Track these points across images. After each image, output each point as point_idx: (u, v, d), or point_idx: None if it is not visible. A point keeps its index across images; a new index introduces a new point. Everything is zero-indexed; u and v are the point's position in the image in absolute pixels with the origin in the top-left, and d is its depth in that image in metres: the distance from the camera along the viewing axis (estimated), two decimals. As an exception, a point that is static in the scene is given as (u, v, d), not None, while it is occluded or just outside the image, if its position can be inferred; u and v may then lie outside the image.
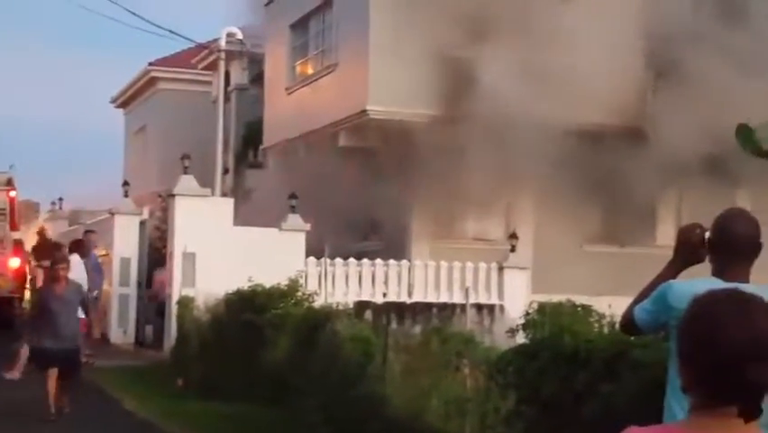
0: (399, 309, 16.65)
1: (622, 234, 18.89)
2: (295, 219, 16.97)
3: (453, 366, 7.54)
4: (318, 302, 12.80)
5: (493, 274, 17.83)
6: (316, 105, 19.99)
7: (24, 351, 13.41)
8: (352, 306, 12.66)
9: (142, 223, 19.74)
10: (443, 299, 17.44)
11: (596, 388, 5.42)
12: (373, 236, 19.83)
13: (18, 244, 20.47)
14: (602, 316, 8.34)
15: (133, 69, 31.93)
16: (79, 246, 15.80)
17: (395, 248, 18.28)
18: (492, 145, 16.31)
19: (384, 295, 17.27)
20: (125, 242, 18.95)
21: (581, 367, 5.71)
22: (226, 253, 15.61)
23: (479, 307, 17.21)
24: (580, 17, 16.56)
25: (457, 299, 17.22)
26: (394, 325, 13.55)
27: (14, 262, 19.32)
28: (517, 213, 19.00)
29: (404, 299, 17.34)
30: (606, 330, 7.24)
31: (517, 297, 16.73)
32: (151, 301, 18.66)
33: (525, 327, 9.68)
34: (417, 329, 11.19)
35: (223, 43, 23.69)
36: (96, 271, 16.01)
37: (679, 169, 16.31)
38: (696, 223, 3.78)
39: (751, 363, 1.86)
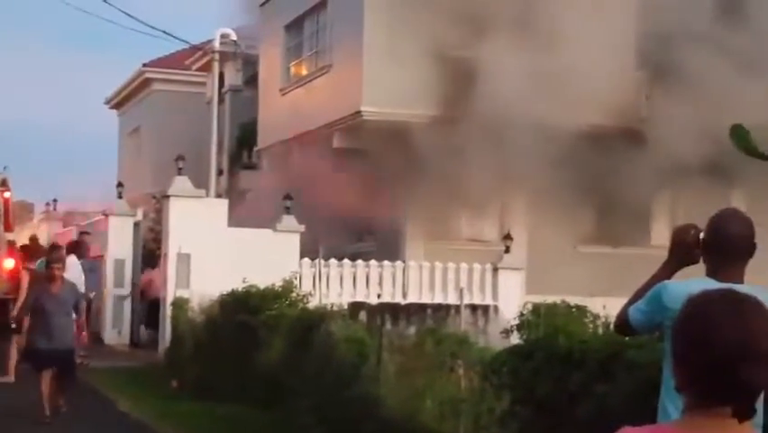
0: (394, 310, 16.65)
1: (616, 235, 18.90)
2: (289, 220, 16.97)
3: (448, 367, 7.54)
4: (312, 303, 12.80)
5: (487, 275, 17.84)
6: (311, 106, 19.98)
7: (13, 352, 13.39)
8: (346, 307, 12.65)
9: (137, 224, 19.72)
10: (438, 300, 17.44)
11: (590, 388, 5.42)
12: (367, 237, 19.83)
13: (12, 246, 20.42)
14: (597, 316, 8.36)
15: (127, 70, 31.89)
16: (77, 247, 15.79)
17: (389, 249, 18.28)
18: (487, 146, 16.32)
19: (378, 296, 17.27)
20: (119, 243, 18.93)
21: (576, 368, 5.72)
22: (221, 254, 15.60)
23: (473, 307, 17.22)
24: (576, 17, 16.57)
25: (451, 299, 17.23)
26: (388, 326, 13.55)
27: (9, 264, 19.28)
28: (512, 214, 19.01)
29: (398, 300, 17.34)
30: (600, 331, 7.25)
31: (512, 298, 16.74)
32: (143, 300, 18.63)
33: (519, 327, 9.72)
34: (412, 330, 11.20)
35: (217, 44, 23.67)
36: (92, 272, 16.01)
37: (674, 169, 16.33)
38: (690, 223, 3.78)
39: (745, 363, 1.86)
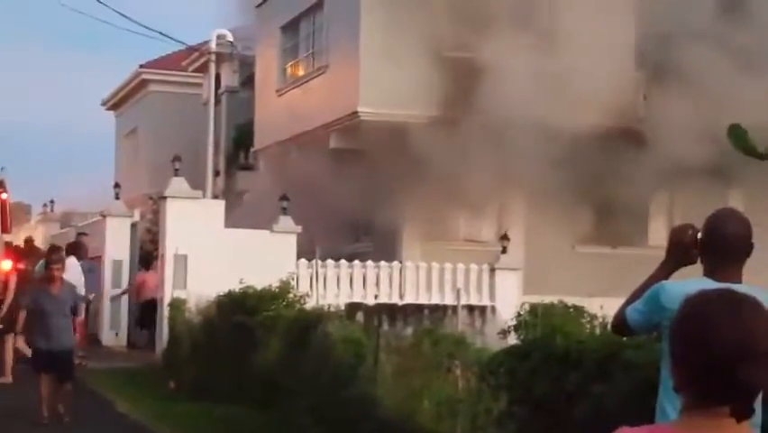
0: (391, 311, 16.65)
1: (614, 236, 18.91)
2: (286, 221, 16.96)
3: (445, 367, 7.54)
4: (309, 304, 12.80)
5: (484, 276, 17.84)
6: (307, 106, 19.98)
7: (9, 352, 13.38)
8: (343, 307, 12.65)
9: (134, 225, 19.71)
10: (435, 300, 17.44)
11: (588, 388, 5.42)
12: (364, 238, 19.82)
13: (9, 247, 20.41)
14: (594, 317, 8.36)
15: (124, 71, 31.88)
16: (76, 248, 15.78)
17: (386, 249, 18.27)
18: (484, 146, 16.33)
19: (375, 297, 17.27)
20: (117, 244, 18.91)
21: (573, 368, 5.72)
22: (217, 254, 15.59)
23: (470, 308, 17.22)
24: (575, 17, 16.57)
25: (448, 300, 17.22)
26: (385, 326, 13.54)
27: (6, 265, 19.25)
28: (509, 214, 19.01)
29: (395, 300, 17.34)
30: (598, 331, 7.25)
31: (509, 298, 16.74)
32: (136, 301, 18.60)
33: (516, 328, 9.73)
34: (409, 331, 11.19)
35: (213, 45, 23.67)
36: (90, 273, 16.00)
37: (672, 170, 16.34)
38: (688, 223, 3.78)
39: (743, 363, 1.86)
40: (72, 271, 13.80)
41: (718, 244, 3.60)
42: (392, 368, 8.32)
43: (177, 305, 15.09)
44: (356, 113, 18.12)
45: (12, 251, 15.24)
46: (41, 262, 13.71)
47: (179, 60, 27.39)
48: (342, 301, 15.50)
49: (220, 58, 24.08)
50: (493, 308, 17.46)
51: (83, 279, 14.74)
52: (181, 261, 16.02)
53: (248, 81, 24.23)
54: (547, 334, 6.41)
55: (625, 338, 4.98)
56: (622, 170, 16.68)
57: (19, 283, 13.73)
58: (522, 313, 10.77)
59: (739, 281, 3.52)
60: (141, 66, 29.70)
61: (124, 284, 18.89)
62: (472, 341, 8.11)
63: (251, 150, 23.19)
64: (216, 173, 23.58)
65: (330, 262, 17.12)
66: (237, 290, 12.83)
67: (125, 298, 18.82)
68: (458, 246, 18.75)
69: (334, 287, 17.05)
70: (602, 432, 2.22)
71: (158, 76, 29.34)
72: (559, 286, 15.02)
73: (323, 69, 19.88)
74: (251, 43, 23.43)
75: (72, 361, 10.39)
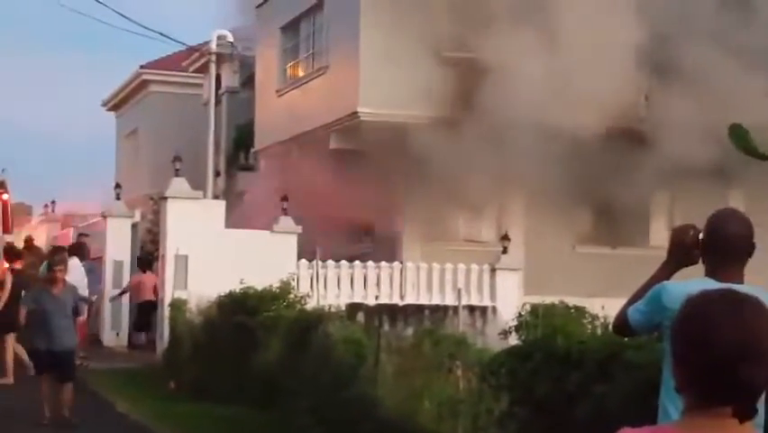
0: (391, 311, 16.64)
1: (614, 236, 18.90)
2: (286, 221, 16.96)
3: (446, 368, 7.54)
4: (310, 304, 12.80)
5: (485, 276, 17.83)
6: (307, 107, 19.97)
7: (10, 353, 13.38)
8: (344, 308, 12.65)
9: (134, 225, 19.71)
10: (436, 300, 17.44)
11: (589, 389, 5.42)
12: (365, 238, 19.82)
13: (6, 247, 20.40)
14: (595, 317, 8.36)
15: (124, 72, 31.87)
16: (78, 249, 15.79)
17: (386, 250, 18.27)
18: (485, 147, 16.32)
19: (376, 297, 17.26)
20: (118, 244, 18.91)
21: (574, 368, 5.71)
22: (218, 255, 15.59)
23: (471, 309, 17.21)
24: (575, 17, 16.56)
25: (449, 300, 17.22)
26: (386, 327, 13.54)
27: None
28: (509, 214, 19.00)
29: (396, 301, 17.33)
30: (599, 331, 7.25)
31: (510, 298, 16.73)
32: (135, 302, 18.59)
33: (517, 328, 9.72)
34: (409, 331, 11.19)
35: (213, 46, 23.66)
36: (91, 273, 16.01)
37: (673, 170, 16.33)
38: (689, 224, 3.78)
39: (745, 363, 1.86)
40: (75, 272, 13.80)
41: (720, 245, 3.60)
42: (393, 368, 8.32)
43: (177, 305, 15.09)
44: (356, 113, 18.12)
45: (8, 251, 15.23)
46: (45, 263, 13.71)
47: (180, 61, 27.38)
48: (343, 302, 15.50)
49: (220, 58, 24.08)
50: (494, 309, 17.46)
51: (86, 280, 14.74)
52: (182, 261, 16.02)
53: (248, 82, 24.22)
54: (548, 334, 6.41)
55: (626, 339, 4.98)
56: (622, 171, 16.67)
57: (16, 283, 13.72)
58: (523, 313, 10.76)
59: (741, 282, 3.52)
60: (142, 66, 29.70)
61: (125, 285, 18.89)
62: (473, 341, 8.11)
63: (252, 150, 23.19)
64: (217, 174, 23.58)
65: (330, 262, 17.12)
66: (238, 290, 12.83)
67: (126, 298, 18.82)
68: (458, 247, 18.74)
69: (335, 287, 17.05)
70: (604, 433, 2.21)
71: (158, 76, 29.34)
72: (559, 286, 15.02)
73: (323, 69, 19.87)
74: (251, 44, 23.42)
75: (73, 361, 10.39)
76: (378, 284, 17.40)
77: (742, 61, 16.39)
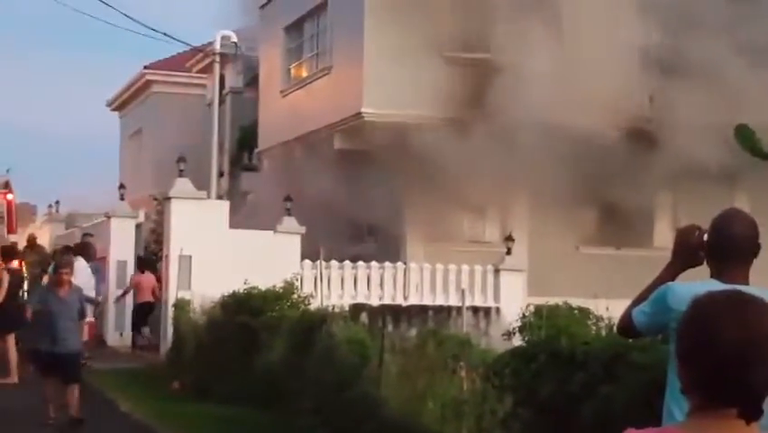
0: (395, 312, 16.63)
1: (618, 237, 18.87)
2: (290, 222, 16.96)
3: (450, 369, 7.53)
4: (314, 305, 12.79)
5: (489, 277, 17.82)
6: (311, 107, 19.98)
7: (13, 352, 13.38)
8: (347, 308, 12.64)
9: (138, 226, 19.72)
10: (439, 301, 17.43)
11: (593, 390, 5.40)
12: (368, 239, 19.81)
13: (16, 247, 20.45)
14: (599, 318, 8.34)
15: (129, 72, 31.93)
16: (84, 250, 15.80)
17: (390, 251, 18.26)
18: (488, 147, 16.31)
19: (380, 298, 17.26)
20: (122, 245, 18.92)
21: (579, 369, 5.70)
22: (222, 255, 15.60)
23: (474, 309, 17.20)
24: (579, 17, 16.54)
25: (453, 301, 17.21)
26: (390, 327, 13.53)
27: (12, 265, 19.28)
28: (513, 215, 18.99)
29: (399, 301, 17.33)
30: (603, 332, 7.23)
31: (513, 299, 16.71)
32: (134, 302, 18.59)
33: (521, 329, 9.69)
34: (413, 332, 11.18)
35: (217, 46, 23.66)
36: (96, 273, 16.03)
37: (677, 171, 16.30)
38: (694, 224, 3.76)
39: (751, 364, 1.85)
40: (81, 273, 13.81)
41: (725, 245, 3.58)
42: (396, 369, 8.32)
43: (181, 305, 15.10)
44: (360, 114, 18.11)
45: (6, 250, 15.24)
46: (52, 264, 13.74)
47: (184, 61, 27.42)
48: (347, 302, 15.49)
49: (224, 59, 24.09)
50: (497, 310, 17.45)
51: (93, 280, 14.74)
52: (185, 261, 16.03)
53: (252, 82, 24.24)
54: (552, 335, 6.40)
55: (630, 340, 4.96)
56: (627, 171, 16.64)
57: (11, 283, 13.73)
58: (526, 314, 10.73)
59: (746, 283, 3.51)
60: (146, 67, 29.74)
61: (127, 285, 18.90)
62: (477, 342, 8.10)
63: (255, 150, 23.21)
64: (221, 174, 23.59)
65: (334, 262, 17.11)
66: (241, 290, 12.84)
67: (130, 298, 18.83)
68: (462, 247, 18.72)
69: (338, 288, 17.05)
70: (609, 434, 2.21)
71: (162, 77, 29.38)
72: (563, 287, 14.98)
73: (327, 69, 19.88)
74: (255, 44, 23.43)
75: (79, 363, 10.30)
76: (381, 285, 17.39)
77: (749, 59, 16.35)
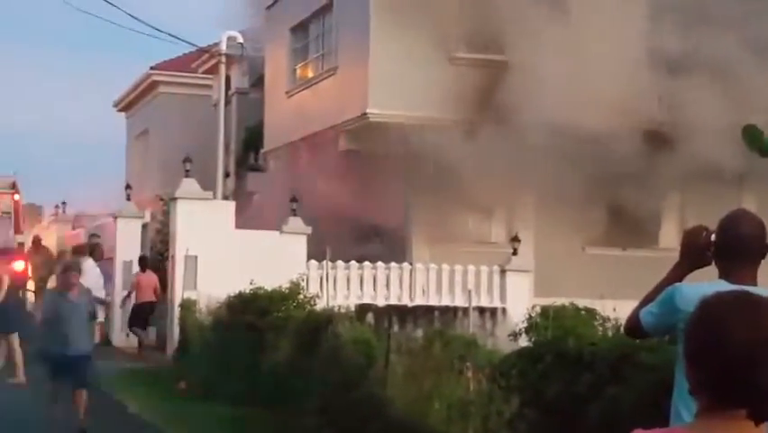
0: (401, 313, 16.63)
1: (624, 237, 18.84)
2: (296, 222, 16.97)
3: (456, 369, 7.53)
4: (320, 305, 12.80)
5: (495, 277, 17.81)
6: (317, 108, 19.99)
7: (18, 353, 13.40)
8: (353, 309, 12.65)
9: (144, 226, 19.74)
10: (445, 302, 17.43)
11: (600, 391, 5.40)
12: (374, 239, 19.80)
13: (22, 248, 20.51)
14: (606, 319, 8.32)
15: (135, 73, 31.96)
16: (93, 250, 15.82)
17: (396, 251, 18.26)
18: (495, 147, 16.29)
19: (386, 298, 17.25)
20: (128, 245, 18.95)
21: (585, 370, 5.69)
22: (228, 255, 15.61)
23: (481, 310, 17.19)
24: (586, 17, 16.51)
25: (459, 302, 17.21)
26: (396, 328, 13.53)
27: (19, 266, 19.35)
28: (519, 216, 18.97)
29: (405, 302, 17.32)
30: (610, 333, 7.22)
31: (520, 300, 16.70)
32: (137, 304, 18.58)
33: (527, 330, 9.68)
34: (419, 332, 11.18)
35: (223, 47, 23.68)
36: (105, 274, 16.06)
37: (684, 171, 16.27)
38: (702, 225, 3.75)
39: (759, 365, 1.85)
40: (90, 273, 13.82)
41: (733, 245, 3.58)
42: (403, 369, 8.31)
43: (187, 306, 15.12)
44: (366, 114, 18.12)
45: (5, 251, 15.28)
46: (60, 266, 13.74)
47: (190, 62, 27.45)
48: (352, 302, 15.51)
49: (230, 59, 24.11)
50: (504, 310, 17.44)
51: (101, 280, 14.74)
52: (192, 261, 16.04)
53: (258, 83, 24.25)
54: (559, 336, 6.39)
55: (638, 340, 4.95)
56: (634, 172, 16.61)
57: (10, 285, 13.76)
58: (533, 315, 10.72)
59: (754, 283, 3.50)
60: (152, 68, 29.78)
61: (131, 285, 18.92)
62: (483, 343, 8.09)
63: (261, 151, 23.22)
64: (226, 174, 23.61)
65: (340, 263, 17.12)
66: (247, 290, 12.85)
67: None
68: (468, 248, 18.71)
69: (344, 288, 17.05)
70: (616, 435, 2.20)
71: (168, 77, 29.41)
72: (570, 288, 14.97)
73: (332, 70, 19.88)
74: (260, 45, 23.45)
75: (89, 367, 10.09)
76: (387, 285, 17.40)
77: (760, 58, 16.30)
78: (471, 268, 17.72)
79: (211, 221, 16.26)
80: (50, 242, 26.05)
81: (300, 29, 21.64)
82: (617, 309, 7.24)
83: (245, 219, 17.74)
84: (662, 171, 16.70)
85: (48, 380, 10.02)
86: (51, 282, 19.81)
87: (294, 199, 17.25)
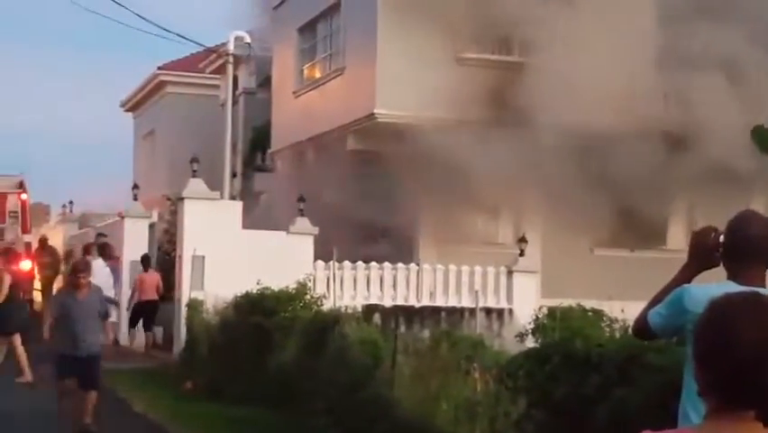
0: (408, 313, 16.63)
1: (632, 239, 18.81)
2: (303, 222, 16.97)
3: (463, 370, 7.52)
4: (326, 306, 12.80)
5: (502, 278, 17.79)
6: (324, 108, 19.99)
7: (21, 353, 13.43)
8: (360, 309, 12.65)
9: (152, 226, 19.77)
10: (452, 302, 17.42)
11: (608, 392, 5.39)
12: (381, 240, 19.80)
13: (29, 247, 20.59)
14: (613, 320, 8.31)
15: (142, 73, 32.03)
16: (103, 250, 15.83)
17: (403, 251, 18.25)
18: (502, 148, 16.27)
19: (392, 299, 17.25)
20: (135, 245, 18.97)
21: (593, 371, 5.68)
22: (235, 256, 15.62)
23: (487, 311, 17.17)
24: (593, 17, 16.48)
25: (466, 302, 17.19)
26: (402, 328, 13.53)
27: (26, 265, 19.41)
28: (526, 217, 18.95)
29: (412, 302, 17.32)
30: (618, 334, 7.21)
31: (527, 301, 16.69)
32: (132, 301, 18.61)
33: (534, 331, 9.70)
34: (426, 333, 11.17)
35: (231, 47, 23.69)
36: (114, 274, 16.09)
37: (692, 172, 16.23)
38: (710, 226, 3.74)
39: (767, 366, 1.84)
40: (100, 273, 13.83)
41: (741, 247, 3.57)
42: (410, 370, 8.31)
43: (194, 306, 15.13)
44: (373, 114, 18.11)
45: (5, 252, 15.31)
46: (68, 266, 13.79)
47: (197, 62, 27.48)
48: (359, 303, 15.50)
49: (237, 59, 24.12)
50: (511, 311, 17.42)
51: (111, 280, 14.74)
52: (199, 261, 16.06)
53: (265, 83, 24.28)
54: (567, 337, 6.38)
55: (646, 342, 4.95)
56: (642, 173, 16.57)
57: (12, 285, 13.80)
58: (540, 316, 10.72)
59: (763, 285, 3.49)
60: (159, 68, 29.82)
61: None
62: (490, 344, 8.08)
63: (268, 151, 23.24)
64: (234, 174, 23.62)
65: (347, 263, 17.12)
66: (254, 291, 12.86)
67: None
68: (475, 249, 18.69)
69: (351, 288, 17.05)
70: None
71: (175, 77, 29.45)
72: (577, 289, 14.95)
73: (340, 70, 19.89)
74: (268, 45, 23.46)
75: (98, 368, 10.03)
76: (394, 286, 17.39)
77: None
78: (478, 269, 17.71)
79: (218, 221, 16.27)
80: (57, 241, 26.10)
81: (308, 29, 21.64)
82: (625, 311, 7.23)
83: (252, 219, 17.74)
84: (672, 172, 16.65)
85: (56, 379, 10.01)
86: (58, 283, 19.90)
87: (301, 199, 17.25)
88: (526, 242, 17.92)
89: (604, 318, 8.76)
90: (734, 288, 3.21)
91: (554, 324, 8.53)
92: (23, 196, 20.08)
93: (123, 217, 19.47)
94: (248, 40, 23.96)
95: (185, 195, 16.69)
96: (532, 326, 11.19)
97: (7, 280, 13.72)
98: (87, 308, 9.78)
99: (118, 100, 34.19)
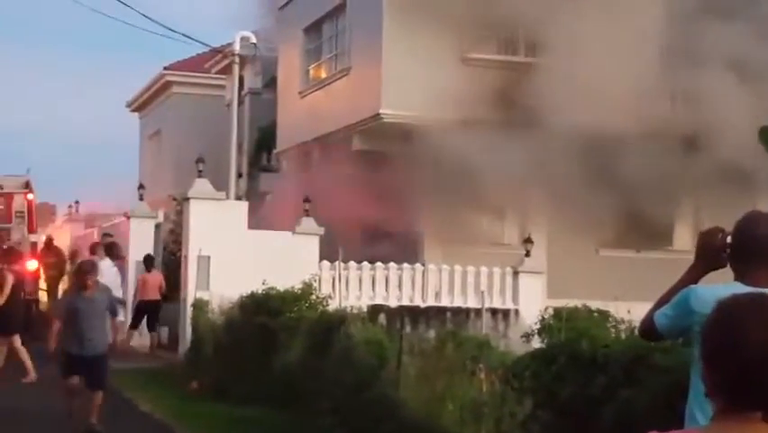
0: (413, 313, 16.63)
1: (638, 239, 18.78)
2: (308, 223, 16.98)
3: (469, 370, 7.51)
4: (332, 306, 12.80)
5: (508, 279, 17.78)
6: (330, 108, 20.00)
7: (22, 352, 13.45)
8: (365, 309, 12.65)
9: (157, 226, 19.79)
10: (458, 303, 17.41)
11: (614, 393, 5.38)
12: (387, 240, 19.80)
13: (35, 247, 20.63)
14: (620, 321, 8.31)
15: (148, 73, 32.08)
16: (110, 249, 15.85)
17: (408, 252, 18.24)
18: (507, 149, 16.26)
19: (398, 299, 17.24)
20: (141, 245, 18.99)
21: (599, 372, 5.68)
22: (240, 256, 15.63)
23: (493, 311, 17.17)
24: (600, 18, 16.46)
25: (471, 303, 17.18)
26: (408, 329, 13.53)
27: (32, 265, 19.44)
28: (532, 217, 18.93)
29: (418, 303, 17.31)
30: (624, 335, 7.20)
31: (532, 301, 16.67)
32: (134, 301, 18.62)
33: (540, 331, 9.69)
34: (432, 333, 11.17)
35: (237, 47, 23.71)
36: (121, 274, 16.11)
37: (698, 172, 16.20)
38: (717, 226, 3.73)
39: (775, 368, 1.84)
40: (108, 273, 13.83)
41: (748, 247, 3.55)
42: (415, 370, 8.31)
43: (199, 306, 15.14)
44: (379, 115, 18.12)
45: (6, 252, 15.33)
46: (74, 266, 13.82)
47: (203, 62, 27.51)
48: (365, 303, 15.51)
49: (243, 60, 24.14)
50: (516, 312, 17.41)
51: (118, 279, 14.75)
52: (204, 262, 16.07)
53: (271, 83, 24.30)
54: (573, 337, 6.37)
55: (652, 343, 4.93)
56: (648, 173, 16.54)
57: (14, 285, 13.83)
58: (546, 317, 10.72)
59: (770, 286, 3.47)
60: (165, 68, 29.86)
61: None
62: (496, 344, 8.08)
63: (274, 151, 23.26)
64: (239, 175, 23.64)
65: (352, 263, 17.12)
66: (260, 291, 12.86)
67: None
68: (480, 249, 18.68)
69: (357, 289, 17.05)
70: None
71: (181, 78, 29.48)
72: (583, 290, 14.95)
73: (345, 70, 19.89)
74: (273, 45, 23.48)
75: (105, 368, 10.03)
76: (399, 286, 17.39)
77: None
78: (484, 269, 17.70)
79: (224, 221, 16.28)
80: (64, 241, 26.13)
81: (313, 29, 21.66)
82: (632, 312, 7.22)
83: (258, 219, 17.76)
84: (679, 173, 16.62)
85: (62, 377, 10.01)
86: (64, 283, 19.94)
87: (306, 200, 17.26)
88: (532, 242, 17.91)
89: (610, 319, 8.75)
90: (741, 289, 3.20)
91: (560, 324, 8.52)
92: (30, 196, 20.10)
93: (128, 217, 19.49)
94: (254, 40, 23.97)
95: (190, 195, 16.70)
96: (538, 326, 11.19)
97: (10, 280, 13.75)
98: (94, 308, 9.77)
99: (124, 100, 34.28)
